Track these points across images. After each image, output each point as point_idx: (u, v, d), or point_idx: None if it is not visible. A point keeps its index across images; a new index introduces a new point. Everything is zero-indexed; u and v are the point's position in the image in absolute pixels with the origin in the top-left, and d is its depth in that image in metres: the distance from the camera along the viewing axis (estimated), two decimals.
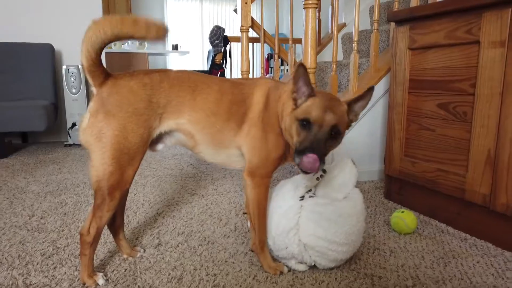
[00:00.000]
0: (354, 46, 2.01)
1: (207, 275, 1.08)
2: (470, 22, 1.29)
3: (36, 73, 3.08)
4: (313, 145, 0.90)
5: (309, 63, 1.93)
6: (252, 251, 1.20)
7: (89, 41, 0.90)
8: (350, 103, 0.99)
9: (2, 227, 1.40)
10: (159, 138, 1.07)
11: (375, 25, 2.02)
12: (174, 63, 7.86)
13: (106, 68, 0.97)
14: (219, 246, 1.26)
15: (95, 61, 0.93)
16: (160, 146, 1.11)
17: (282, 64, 6.35)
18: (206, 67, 7.68)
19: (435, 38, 1.42)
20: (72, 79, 3.02)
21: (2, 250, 1.22)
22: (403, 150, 1.62)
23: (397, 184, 1.68)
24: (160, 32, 0.94)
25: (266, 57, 6.26)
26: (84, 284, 1.01)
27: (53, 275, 1.06)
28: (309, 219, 1.04)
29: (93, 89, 0.98)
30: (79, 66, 3.05)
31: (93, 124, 0.95)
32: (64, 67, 3.02)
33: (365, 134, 2.06)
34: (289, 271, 1.09)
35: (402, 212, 1.36)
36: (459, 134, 1.36)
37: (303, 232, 1.04)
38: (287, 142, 1.04)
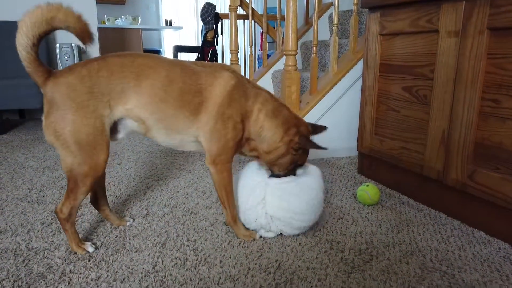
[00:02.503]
0: (334, 29, 2.11)
1: (187, 240, 1.23)
2: (430, 12, 1.39)
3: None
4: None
5: (290, 46, 2.03)
6: (227, 225, 1.34)
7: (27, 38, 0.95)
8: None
9: (4, 199, 1.55)
10: (117, 127, 1.13)
11: (355, 8, 2.11)
12: (168, 38, 7.86)
13: (47, 66, 1.01)
14: (200, 216, 1.41)
15: (34, 59, 0.98)
16: (119, 135, 1.16)
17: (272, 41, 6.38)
18: (200, 43, 7.71)
19: (401, 25, 1.53)
20: (66, 57, 3.11)
21: (6, 219, 1.37)
22: (373, 130, 1.75)
23: (368, 160, 1.82)
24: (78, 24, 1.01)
25: (261, 32, 6.30)
26: (75, 253, 1.14)
27: (52, 241, 1.21)
28: (274, 194, 1.19)
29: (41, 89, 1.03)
30: (72, 45, 3.13)
31: (48, 125, 1.02)
32: (57, 45, 3.10)
33: (344, 113, 2.18)
34: (260, 237, 1.24)
35: (367, 185, 1.50)
36: (420, 115, 1.49)
37: (269, 205, 1.19)
38: (244, 128, 1.18)
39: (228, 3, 3.00)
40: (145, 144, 2.50)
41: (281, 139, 1.20)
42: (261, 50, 6.92)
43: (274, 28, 3.54)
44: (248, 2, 3.05)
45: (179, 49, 5.96)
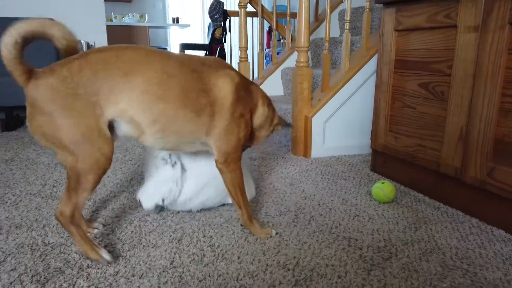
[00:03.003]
0: (347, 25, 2.09)
1: (204, 236, 1.22)
2: (449, 7, 1.37)
3: (39, 48, 3.15)
4: None
5: (302, 42, 2.02)
6: (242, 225, 1.29)
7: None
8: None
9: (18, 195, 1.55)
10: (113, 130, 1.04)
11: (367, 4, 2.09)
12: (174, 36, 7.85)
13: (29, 65, 0.93)
14: (215, 212, 1.40)
15: (14, 57, 0.90)
16: (115, 141, 1.07)
17: (283, 38, 6.36)
18: (207, 41, 7.70)
19: (418, 21, 1.51)
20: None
21: (21, 214, 1.36)
22: (387, 126, 1.73)
23: (382, 158, 1.80)
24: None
25: (268, 29, 6.27)
26: (89, 259, 1.04)
27: (68, 236, 1.21)
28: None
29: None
30: (82, 41, 3.13)
31: (36, 129, 0.95)
32: None
33: (357, 110, 2.17)
34: (276, 233, 1.23)
35: (383, 183, 1.49)
36: (436, 112, 1.47)
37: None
38: (252, 123, 1.24)
39: (236, 1, 2.98)
40: None
41: (272, 124, 1.35)
42: (268, 47, 6.91)
43: (283, 25, 3.52)
44: None
45: (185, 46, 5.96)
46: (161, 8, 7.59)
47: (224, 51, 4.13)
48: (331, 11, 3.25)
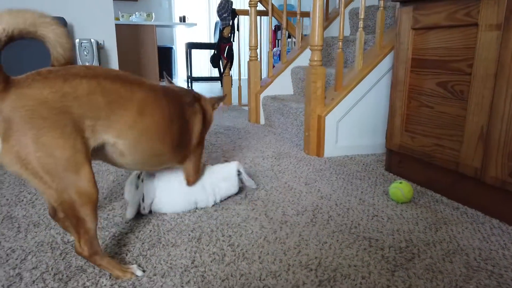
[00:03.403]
0: (360, 24, 2.08)
1: (222, 236, 1.21)
2: (469, 5, 1.36)
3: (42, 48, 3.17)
4: None
5: (316, 40, 2.01)
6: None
7: None
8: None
9: (34, 193, 1.54)
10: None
11: (381, 2, 2.08)
12: (180, 35, 7.86)
13: (5, 73, 0.77)
14: (232, 211, 1.39)
15: None
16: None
17: (289, 37, 6.35)
18: (213, 39, 7.70)
19: (436, 19, 1.50)
20: (85, 52, 3.11)
21: (38, 212, 1.36)
22: (403, 126, 1.72)
23: (397, 157, 1.79)
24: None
25: (273, 28, 6.26)
26: (120, 279, 0.97)
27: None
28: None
29: None
30: (92, 40, 3.13)
31: (7, 152, 0.77)
32: (77, 40, 3.10)
33: (370, 109, 2.15)
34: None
35: (400, 183, 1.47)
36: (455, 111, 1.46)
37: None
38: None
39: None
40: None
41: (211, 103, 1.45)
42: (274, 46, 6.89)
43: (293, 24, 3.51)
44: None
45: (192, 46, 5.96)
46: (167, 7, 7.60)
47: (232, 50, 4.12)
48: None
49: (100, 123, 0.90)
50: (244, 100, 4.35)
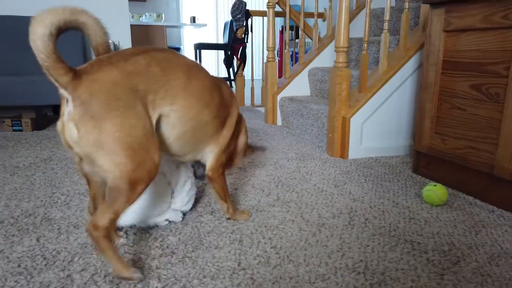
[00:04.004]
0: (385, 25, 2.07)
1: (263, 238, 1.21)
2: (507, 8, 1.35)
3: (67, 47, 3.17)
4: None
5: (342, 42, 2.01)
6: (228, 218, 1.34)
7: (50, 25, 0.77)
8: None
9: (67, 194, 1.55)
10: None
11: (406, 4, 2.07)
12: (188, 36, 7.87)
13: (67, 63, 0.82)
14: (267, 213, 1.39)
15: (56, 54, 0.79)
16: None
17: (297, 37, 6.34)
18: (221, 40, 7.70)
19: (471, 21, 1.49)
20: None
21: (75, 214, 1.36)
22: (433, 128, 1.71)
23: (426, 160, 1.79)
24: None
25: (280, 29, 6.25)
26: (121, 278, 0.95)
27: (128, 236, 1.20)
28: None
29: (62, 91, 0.83)
30: (109, 41, 3.13)
31: (86, 135, 0.82)
32: None
33: (393, 111, 2.15)
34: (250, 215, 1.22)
35: (435, 185, 1.47)
36: (490, 114, 1.45)
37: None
38: None
39: (256, 1, 2.97)
40: None
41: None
42: (281, 47, 6.87)
43: (310, 26, 3.51)
44: None
45: (201, 46, 5.96)
46: (175, 7, 7.61)
47: (245, 52, 4.11)
48: (358, 12, 3.23)
49: (159, 95, 0.94)
50: (257, 100, 4.35)
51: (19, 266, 1.03)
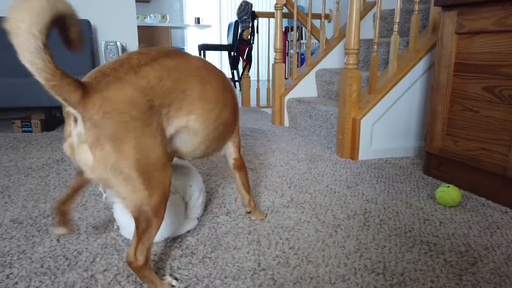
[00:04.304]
0: (395, 27, 2.09)
1: (280, 239, 1.22)
2: None
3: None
4: None
5: (352, 44, 2.02)
6: (248, 212, 1.36)
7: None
8: None
9: (82, 195, 1.56)
10: None
11: (416, 6, 2.08)
12: (192, 36, 7.89)
13: (73, 76, 0.71)
14: (283, 214, 1.40)
15: (54, 67, 0.66)
16: None
17: (301, 38, 6.35)
18: (225, 41, 7.71)
19: (484, 24, 1.50)
20: (111, 55, 3.13)
21: (93, 215, 1.38)
22: (445, 130, 1.72)
23: (437, 161, 1.80)
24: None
25: (284, 29, 6.26)
26: None
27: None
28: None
29: (71, 110, 0.74)
30: (117, 43, 3.15)
31: (103, 159, 0.75)
32: (103, 43, 3.13)
33: (403, 113, 2.16)
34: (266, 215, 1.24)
35: (448, 187, 1.48)
36: (503, 116, 1.46)
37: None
38: None
39: (262, 2, 2.98)
40: None
41: None
42: (285, 48, 6.89)
43: (317, 27, 3.52)
44: (294, 1, 3.03)
45: (205, 47, 5.97)
46: (178, 8, 7.62)
47: (251, 54, 4.13)
48: (366, 13, 3.24)
49: (173, 107, 0.88)
50: (262, 101, 4.36)
51: (42, 266, 1.05)
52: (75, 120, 0.75)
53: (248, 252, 1.13)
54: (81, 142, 0.75)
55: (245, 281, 0.99)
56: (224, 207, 1.47)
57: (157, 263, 1.06)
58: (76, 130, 0.75)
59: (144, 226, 0.84)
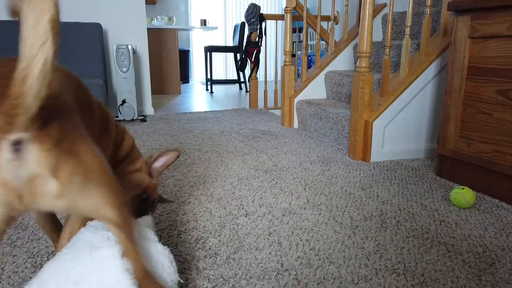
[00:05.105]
0: (407, 31, 2.11)
1: (300, 240, 1.25)
2: None
3: (86, 52, 3.23)
4: None
5: (365, 47, 2.04)
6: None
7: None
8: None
9: None
10: None
11: (428, 10, 2.11)
12: (197, 38, 7.93)
13: None
14: (300, 216, 1.43)
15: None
16: None
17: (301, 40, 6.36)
18: (230, 42, 7.75)
19: (498, 28, 1.53)
20: (123, 58, 3.17)
21: None
22: (457, 132, 1.75)
23: (450, 163, 1.82)
24: None
25: None
26: None
27: (170, 240, 1.24)
28: None
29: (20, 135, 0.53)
30: (129, 46, 3.19)
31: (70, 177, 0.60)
32: (114, 46, 3.16)
33: (414, 115, 2.18)
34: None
35: (462, 188, 1.50)
36: None
37: None
38: None
39: (269, 4, 3.01)
40: (208, 144, 2.53)
41: None
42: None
43: (326, 30, 3.54)
44: (303, 3, 3.06)
45: (212, 49, 6.01)
46: (184, 10, 7.67)
47: (259, 56, 4.16)
48: (374, 15, 3.26)
49: None
50: (270, 103, 4.39)
51: None
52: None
53: (270, 253, 1.16)
54: (37, 172, 0.56)
55: (270, 281, 1.02)
56: (243, 208, 1.49)
57: (183, 264, 1.09)
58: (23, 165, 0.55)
59: (129, 225, 0.73)
